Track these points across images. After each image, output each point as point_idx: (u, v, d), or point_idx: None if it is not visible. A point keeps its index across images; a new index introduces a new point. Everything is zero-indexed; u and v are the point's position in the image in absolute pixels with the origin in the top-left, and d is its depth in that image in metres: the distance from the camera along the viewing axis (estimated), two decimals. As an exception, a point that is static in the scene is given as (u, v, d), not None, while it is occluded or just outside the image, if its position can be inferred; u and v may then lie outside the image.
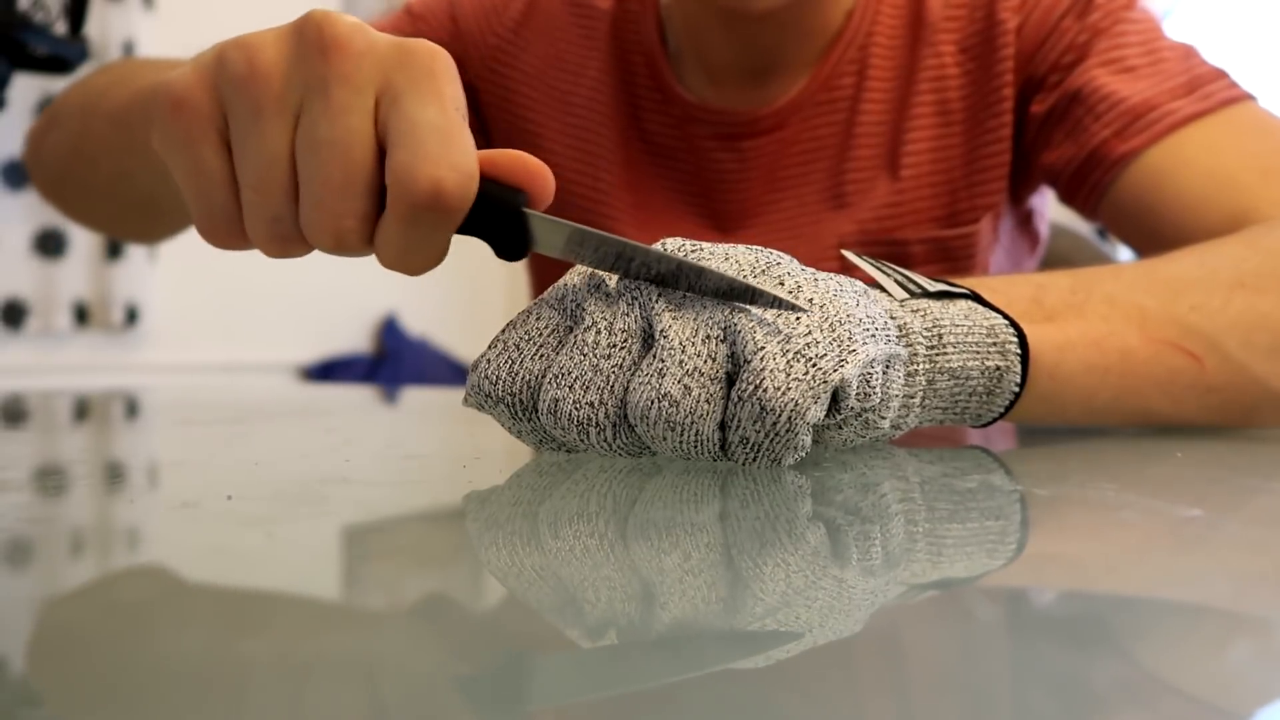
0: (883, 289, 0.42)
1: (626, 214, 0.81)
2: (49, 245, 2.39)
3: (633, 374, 0.36)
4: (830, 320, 0.35)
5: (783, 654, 0.18)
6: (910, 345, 0.40)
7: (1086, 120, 0.69)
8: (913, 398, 0.40)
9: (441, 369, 3.12)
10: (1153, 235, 0.67)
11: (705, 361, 0.35)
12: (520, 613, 0.22)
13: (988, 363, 0.42)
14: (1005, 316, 0.43)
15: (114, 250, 2.47)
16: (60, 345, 2.47)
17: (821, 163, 0.77)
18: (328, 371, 2.99)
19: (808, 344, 0.35)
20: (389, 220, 0.37)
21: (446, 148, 0.36)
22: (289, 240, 0.39)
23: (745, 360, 0.35)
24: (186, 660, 0.19)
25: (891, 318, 0.40)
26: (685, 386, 0.35)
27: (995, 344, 0.42)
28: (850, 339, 0.35)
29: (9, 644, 0.20)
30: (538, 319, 0.38)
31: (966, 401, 0.43)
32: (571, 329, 0.38)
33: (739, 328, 0.35)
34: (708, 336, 0.35)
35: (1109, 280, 0.50)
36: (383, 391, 1.11)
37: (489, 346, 0.39)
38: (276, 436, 0.58)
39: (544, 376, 0.37)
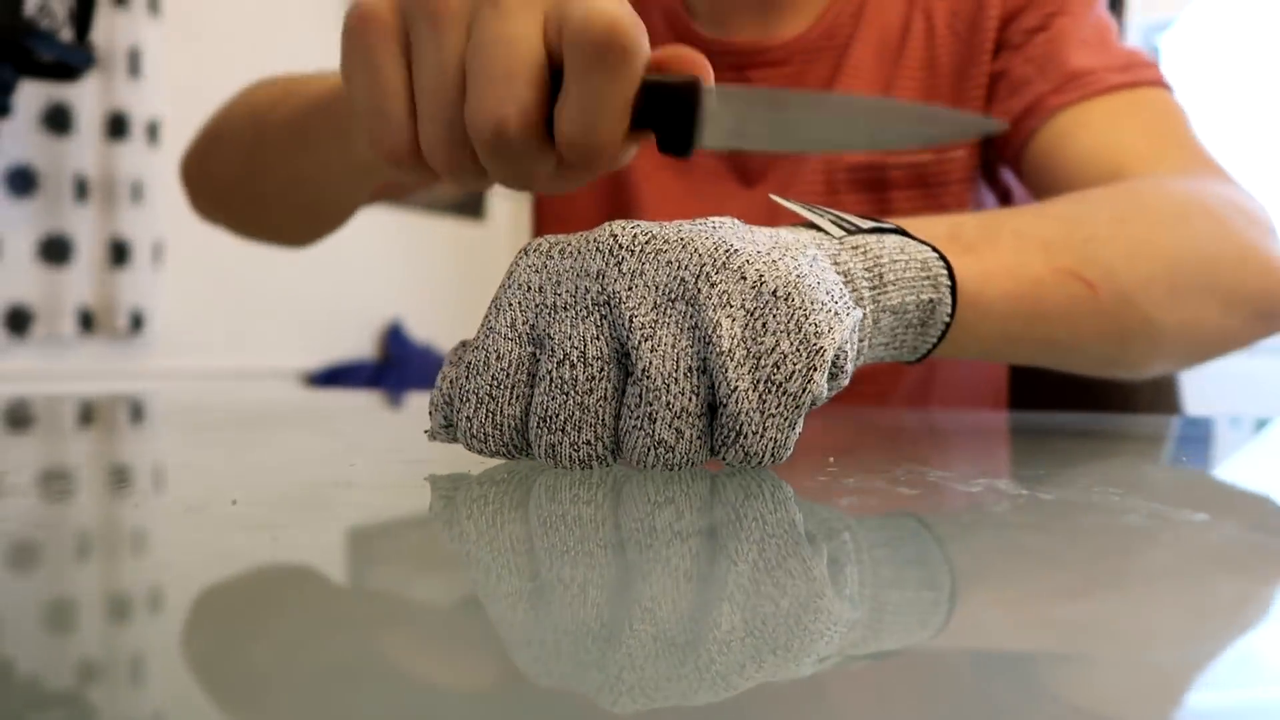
0: (820, 229, 0.42)
1: (649, 161, 0.89)
2: (54, 252, 2.39)
3: (617, 401, 0.36)
4: (795, 316, 0.35)
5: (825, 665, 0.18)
6: (855, 289, 0.40)
7: (1033, 77, 0.78)
8: (862, 341, 0.41)
9: (446, 375, 3.12)
10: (1049, 191, 0.74)
11: (690, 400, 0.35)
12: (525, 617, 0.22)
13: (922, 296, 0.43)
14: (934, 249, 0.44)
15: (119, 257, 2.48)
16: (65, 351, 2.47)
17: None
18: (333, 378, 3.00)
19: (776, 364, 0.35)
20: (569, 80, 0.39)
21: (620, 4, 0.39)
22: (458, 145, 0.42)
23: (721, 404, 0.35)
24: (190, 665, 0.19)
25: (835, 263, 0.40)
26: (677, 430, 0.35)
27: (928, 277, 0.43)
28: (817, 336, 0.35)
29: (14, 648, 0.20)
30: (499, 358, 0.37)
31: (904, 335, 0.44)
32: (536, 356, 0.37)
33: (712, 364, 0.35)
34: (690, 369, 0.35)
35: (1013, 217, 0.54)
36: (388, 397, 1.11)
37: (459, 398, 0.38)
38: (281, 441, 0.58)
39: (527, 416, 0.37)
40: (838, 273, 0.40)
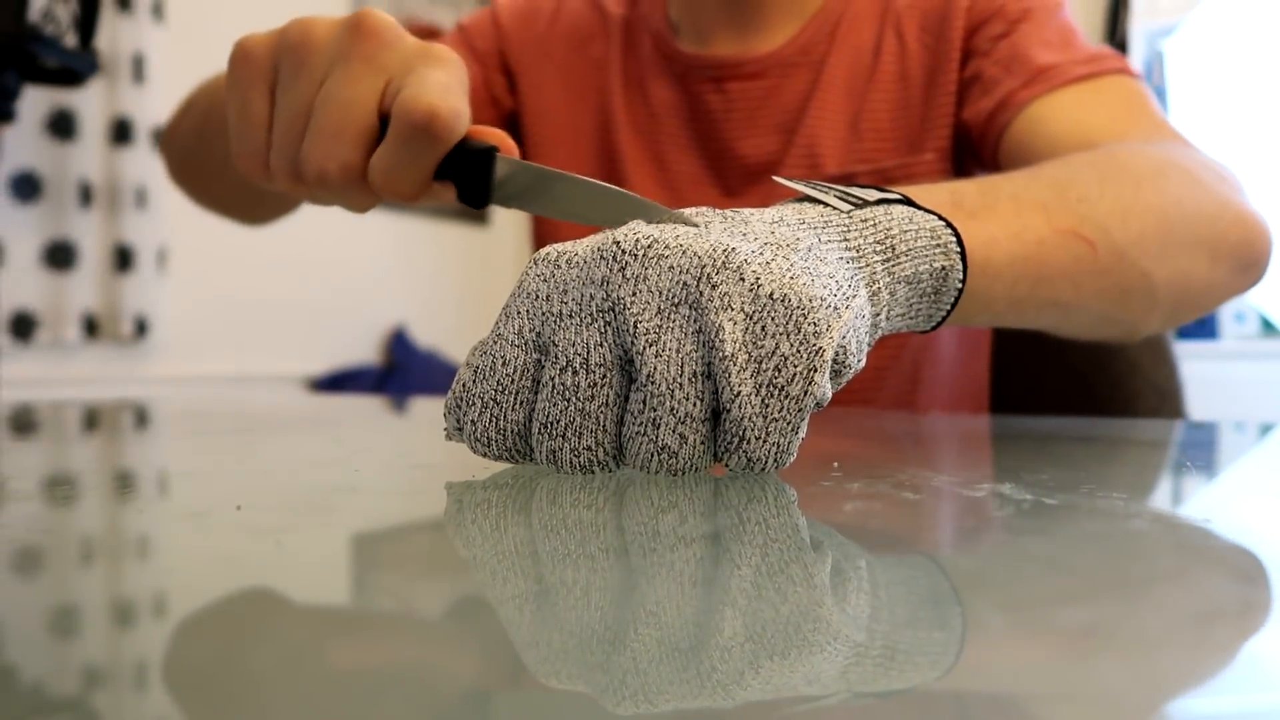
0: (826, 204, 0.43)
1: (642, 168, 0.93)
2: (58, 258, 2.40)
3: (620, 407, 0.36)
4: (794, 316, 0.35)
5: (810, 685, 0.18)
6: (867, 264, 0.41)
7: (1002, 77, 0.81)
8: (879, 315, 0.41)
9: (450, 380, 3.12)
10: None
11: (694, 405, 0.35)
12: (530, 621, 0.22)
13: (934, 264, 0.43)
14: (941, 217, 0.45)
15: (123, 263, 2.48)
16: (70, 357, 2.48)
17: (794, 114, 0.90)
18: (337, 383, 3.00)
19: (777, 368, 0.35)
20: (387, 141, 0.46)
21: (445, 93, 0.45)
22: (296, 176, 0.49)
23: (725, 408, 0.35)
24: (195, 670, 0.19)
25: (845, 239, 0.41)
26: (681, 435, 0.35)
27: (939, 245, 0.44)
28: (816, 335, 0.35)
29: (18, 653, 0.20)
30: (505, 364, 0.37)
31: (919, 304, 0.44)
32: (541, 362, 0.37)
33: (715, 369, 0.35)
34: (694, 374, 0.35)
35: (1006, 183, 0.55)
36: (392, 402, 1.11)
37: (466, 400, 0.38)
38: (285, 446, 0.58)
39: (530, 422, 0.37)
40: (849, 249, 0.40)
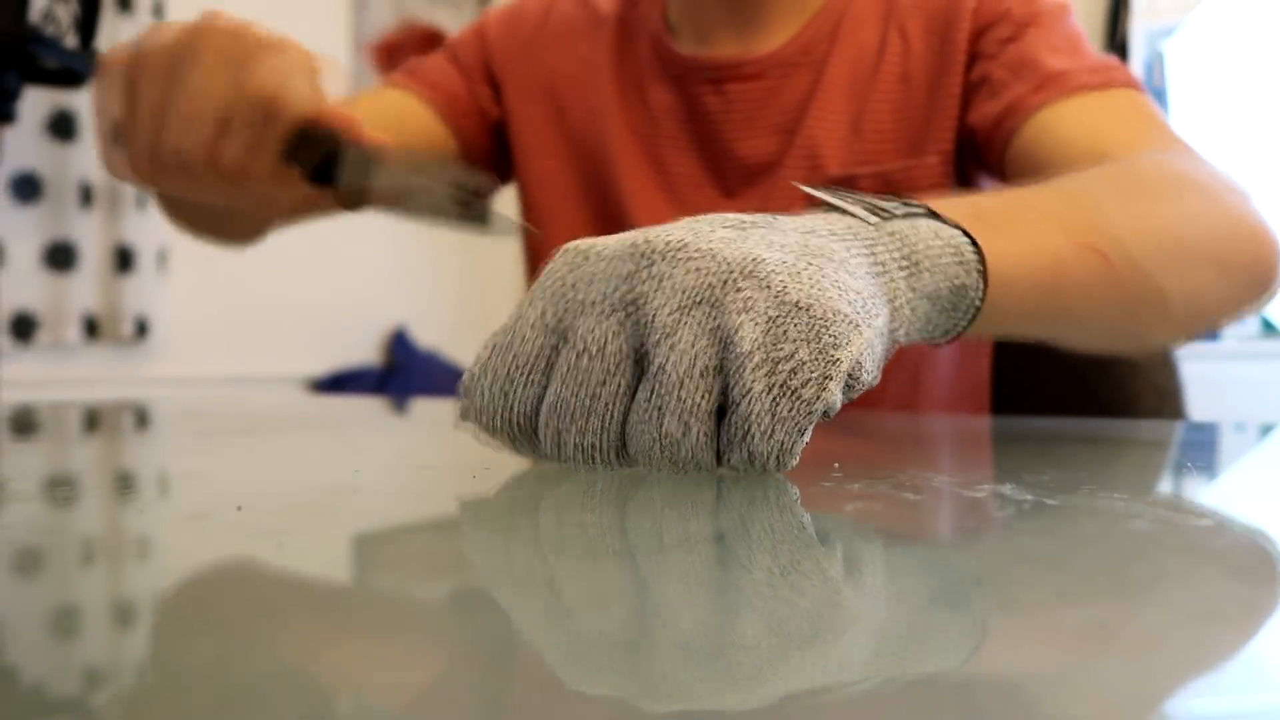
0: (854, 215, 0.43)
1: (640, 170, 0.92)
2: (59, 258, 2.40)
3: (629, 400, 0.36)
4: (815, 326, 0.35)
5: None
6: (891, 279, 0.41)
7: (1010, 81, 0.80)
8: (898, 330, 0.41)
9: (451, 381, 3.09)
10: (1035, 182, 0.75)
11: (702, 398, 0.35)
12: (528, 624, 0.22)
13: (955, 280, 0.43)
14: (964, 232, 0.44)
15: (124, 263, 2.48)
16: (70, 358, 2.48)
17: (795, 115, 0.89)
18: (337, 384, 3.00)
19: (792, 370, 0.35)
20: (233, 123, 0.53)
21: (285, 76, 0.53)
22: (159, 168, 0.55)
23: (734, 403, 0.35)
24: (195, 671, 0.19)
25: (872, 254, 0.41)
26: (685, 425, 0.35)
27: (960, 261, 0.44)
28: (835, 347, 0.35)
29: (18, 654, 0.20)
30: (523, 342, 0.38)
31: (938, 319, 0.44)
32: (558, 347, 0.37)
33: (728, 366, 0.35)
34: (705, 369, 0.35)
35: (1027, 195, 0.56)
36: (392, 403, 1.11)
37: (479, 372, 0.39)
38: (286, 447, 0.58)
39: (539, 403, 0.37)
40: (875, 263, 0.40)
